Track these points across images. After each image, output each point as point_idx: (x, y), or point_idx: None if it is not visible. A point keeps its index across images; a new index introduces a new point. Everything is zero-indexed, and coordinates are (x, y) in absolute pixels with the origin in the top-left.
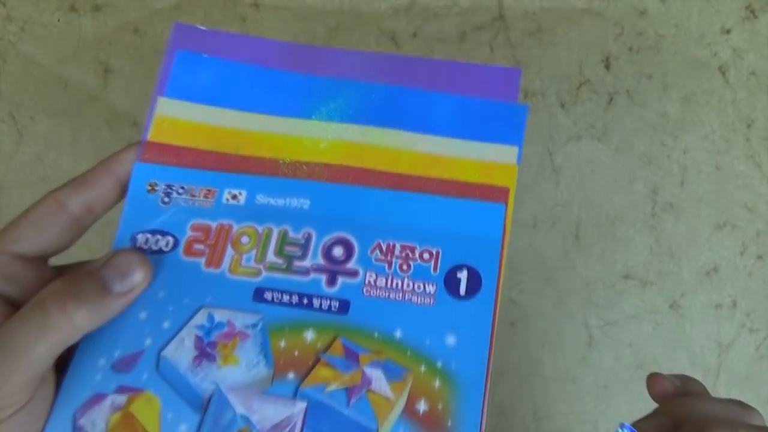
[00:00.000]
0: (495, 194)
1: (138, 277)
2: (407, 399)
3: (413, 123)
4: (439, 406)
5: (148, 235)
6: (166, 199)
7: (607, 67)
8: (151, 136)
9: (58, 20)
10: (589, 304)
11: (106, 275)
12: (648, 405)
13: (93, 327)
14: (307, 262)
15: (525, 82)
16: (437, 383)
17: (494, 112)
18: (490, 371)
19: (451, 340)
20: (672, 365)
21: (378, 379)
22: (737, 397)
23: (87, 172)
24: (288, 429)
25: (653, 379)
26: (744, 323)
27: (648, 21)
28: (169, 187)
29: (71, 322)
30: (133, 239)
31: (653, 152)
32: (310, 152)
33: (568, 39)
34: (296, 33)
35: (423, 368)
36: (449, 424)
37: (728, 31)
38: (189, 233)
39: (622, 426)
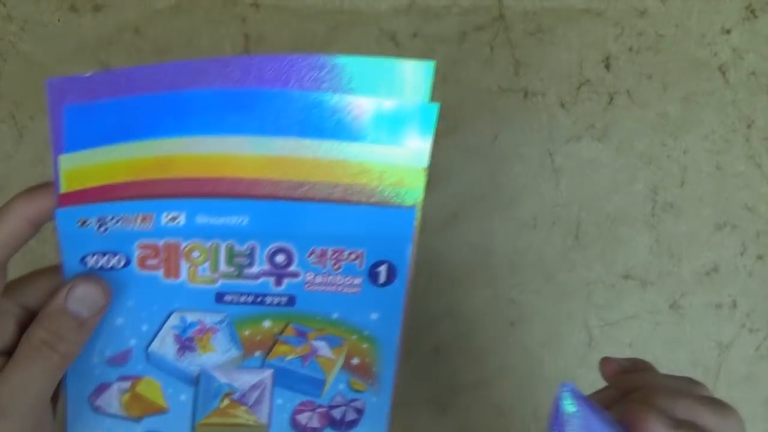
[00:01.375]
0: (405, 199)
1: (101, 300)
2: (345, 358)
3: (329, 131)
4: (367, 360)
5: (98, 256)
6: (102, 229)
7: (607, 67)
8: (65, 189)
9: (58, 20)
10: (589, 304)
11: (73, 308)
12: None
13: (79, 351)
14: (255, 269)
15: (525, 82)
16: (365, 345)
17: (405, 114)
18: (402, 335)
19: (374, 316)
20: (672, 365)
21: (323, 347)
22: (738, 398)
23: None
24: (262, 387)
25: (604, 362)
26: (744, 323)
27: (648, 21)
28: (101, 219)
29: (64, 359)
30: (84, 262)
31: (653, 152)
32: (241, 169)
33: (568, 39)
34: (296, 33)
35: (354, 337)
36: (374, 370)
37: (728, 31)
38: (138, 251)
39: (563, 385)
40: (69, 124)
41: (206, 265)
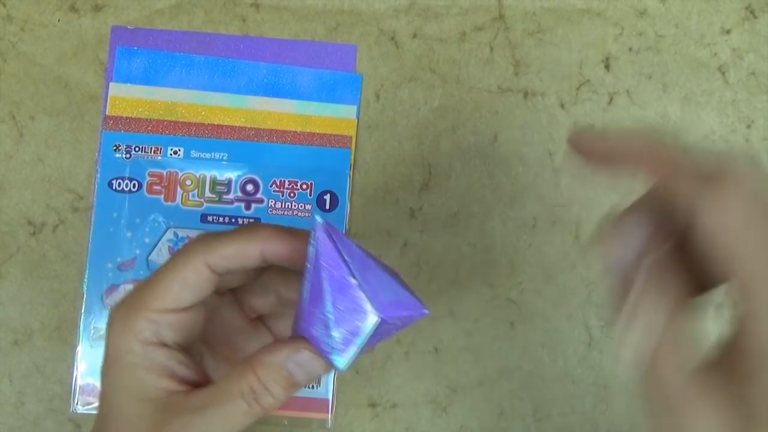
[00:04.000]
0: (343, 142)
1: (320, 372)
2: None
3: (288, 92)
4: None
5: (120, 180)
6: (127, 156)
7: (607, 67)
8: (109, 111)
9: (58, 20)
10: (589, 304)
11: (292, 370)
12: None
13: (274, 410)
14: (231, 196)
15: (525, 82)
16: None
17: (339, 81)
18: None
19: None
20: None
21: None
22: None
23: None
24: None
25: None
26: None
27: (648, 21)
28: (128, 147)
29: (261, 413)
30: (110, 183)
31: None
32: (225, 118)
33: (568, 39)
34: (296, 33)
35: None
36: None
37: (728, 32)
38: (148, 178)
39: (315, 218)
40: (119, 61)
41: (195, 191)
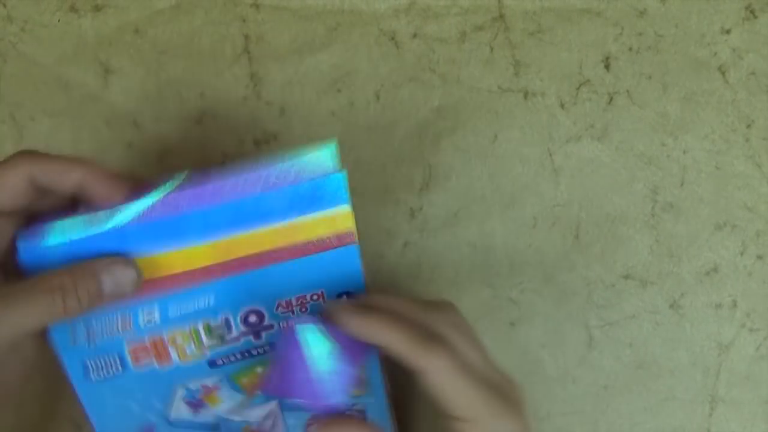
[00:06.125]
0: (345, 240)
1: (129, 290)
2: None
3: (265, 218)
4: None
5: (96, 360)
6: (91, 342)
7: (607, 67)
8: None
9: (59, 20)
10: (590, 304)
11: (104, 279)
12: (649, 405)
13: (74, 317)
14: (234, 334)
15: (525, 82)
16: None
17: (318, 188)
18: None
19: None
20: (672, 365)
21: None
22: (738, 398)
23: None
24: (273, 415)
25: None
26: (744, 323)
27: (648, 21)
28: (89, 331)
29: (64, 313)
30: (85, 367)
31: (653, 152)
32: (196, 260)
33: (568, 39)
34: (296, 33)
35: None
36: (362, 376)
37: (728, 31)
38: (129, 353)
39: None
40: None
41: (191, 344)
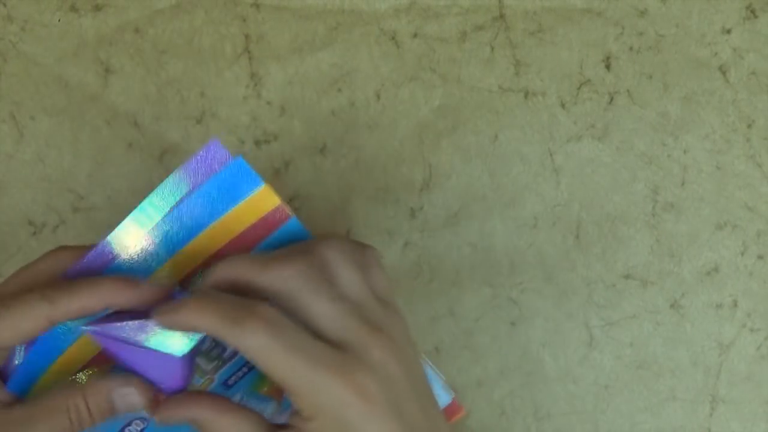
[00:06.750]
0: (280, 216)
1: (138, 407)
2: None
3: (197, 225)
4: None
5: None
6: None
7: (608, 66)
8: None
9: (59, 20)
10: (590, 303)
11: (116, 401)
12: (649, 405)
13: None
14: (228, 349)
15: (525, 82)
16: None
17: (224, 180)
18: None
19: None
20: (672, 365)
21: None
22: (738, 398)
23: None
24: None
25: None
26: (745, 323)
27: (648, 21)
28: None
29: (72, 427)
30: None
31: (654, 152)
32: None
33: (568, 39)
34: (296, 33)
35: None
36: None
37: (728, 31)
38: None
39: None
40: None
41: (195, 376)
